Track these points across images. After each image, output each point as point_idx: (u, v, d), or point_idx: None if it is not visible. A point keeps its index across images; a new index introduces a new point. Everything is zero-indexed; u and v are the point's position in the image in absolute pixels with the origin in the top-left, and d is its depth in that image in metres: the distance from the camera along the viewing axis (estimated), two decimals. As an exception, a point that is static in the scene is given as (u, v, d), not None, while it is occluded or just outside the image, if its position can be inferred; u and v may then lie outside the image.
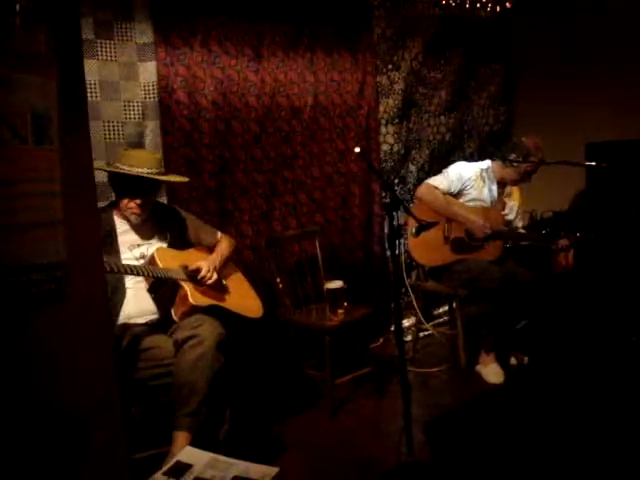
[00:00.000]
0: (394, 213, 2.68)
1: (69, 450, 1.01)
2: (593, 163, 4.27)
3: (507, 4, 5.33)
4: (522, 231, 4.34)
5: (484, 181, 4.14)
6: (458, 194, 4.11)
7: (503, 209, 4.24)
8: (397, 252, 2.67)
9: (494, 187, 4.18)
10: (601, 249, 4.55)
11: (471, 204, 4.12)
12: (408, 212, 2.83)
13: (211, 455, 2.03)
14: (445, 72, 5.12)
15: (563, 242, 4.03)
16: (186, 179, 3.28)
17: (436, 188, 4.02)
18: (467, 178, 4.10)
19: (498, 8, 5.31)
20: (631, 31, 4.64)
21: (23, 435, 0.94)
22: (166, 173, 3.11)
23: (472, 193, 4.12)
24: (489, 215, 4.08)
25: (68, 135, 1.01)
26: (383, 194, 4.71)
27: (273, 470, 1.92)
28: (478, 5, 5.19)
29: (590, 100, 4.96)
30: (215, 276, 3.02)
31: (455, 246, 4.07)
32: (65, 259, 0.96)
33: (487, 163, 4.20)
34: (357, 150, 2.57)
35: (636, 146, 4.52)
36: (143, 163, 2.88)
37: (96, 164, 2.86)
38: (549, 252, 4.64)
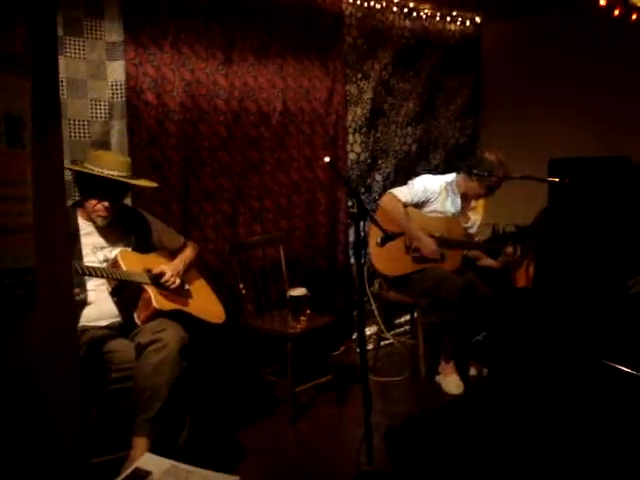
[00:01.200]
0: (360, 222, 2.69)
1: (33, 457, 0.99)
2: (556, 179, 4.33)
3: (477, 18, 5.42)
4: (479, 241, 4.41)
5: (448, 194, 4.18)
6: (421, 205, 4.15)
7: (466, 222, 4.29)
8: (362, 261, 2.68)
9: (458, 200, 4.22)
10: (561, 264, 4.63)
11: (433, 215, 4.17)
12: (374, 222, 2.83)
13: (171, 462, 2.00)
14: (413, 83, 5.16)
15: (509, 249, 4.10)
16: (155, 184, 3.24)
17: (398, 200, 4.05)
18: (432, 191, 4.14)
19: (468, 22, 5.39)
20: (598, 50, 4.74)
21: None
22: (137, 177, 3.07)
23: (434, 205, 4.16)
24: (449, 225, 4.14)
25: (40, 138, 0.99)
26: (349, 203, 4.73)
27: (234, 479, 1.90)
28: (448, 19, 5.26)
29: (555, 116, 5.06)
30: (178, 281, 3.00)
31: (416, 256, 4.10)
32: (34, 264, 0.94)
33: (452, 176, 4.25)
34: (327, 160, 2.57)
35: (598, 163, 4.61)
36: (114, 166, 2.84)
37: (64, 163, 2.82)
38: (509, 266, 4.70)
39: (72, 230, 2.82)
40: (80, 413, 1.15)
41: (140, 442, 2.55)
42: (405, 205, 4.06)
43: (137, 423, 2.58)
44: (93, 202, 2.85)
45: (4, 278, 0.87)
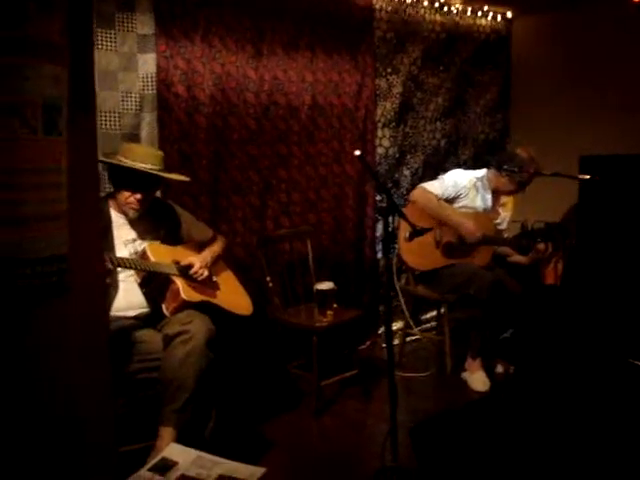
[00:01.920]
0: (390, 217, 2.68)
1: (64, 445, 0.99)
2: (587, 176, 4.29)
3: (508, 13, 5.36)
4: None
5: (478, 190, 4.15)
6: (451, 200, 4.12)
7: (496, 218, 4.26)
8: (390, 256, 2.67)
9: (488, 196, 4.19)
10: (591, 263, 4.57)
11: (463, 210, 4.13)
12: (403, 217, 2.81)
13: (197, 453, 2.02)
14: (443, 78, 5.12)
15: (541, 246, 4.04)
16: (187, 178, 3.25)
17: (430, 192, 4.03)
18: (462, 186, 4.11)
19: (499, 17, 5.33)
20: (631, 45, 4.66)
21: (19, 429, 0.93)
22: (168, 171, 3.09)
23: (464, 201, 4.13)
24: (479, 220, 4.10)
25: (76, 126, 0.99)
26: (377, 197, 4.72)
27: (259, 470, 1.91)
28: (479, 13, 5.20)
29: (586, 113, 4.98)
30: (207, 272, 3.02)
31: (446, 251, 4.08)
32: (67, 251, 0.95)
33: (482, 172, 4.21)
34: (357, 153, 2.56)
35: (630, 161, 4.54)
36: (146, 159, 2.86)
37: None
38: (538, 263, 4.65)
39: (105, 222, 2.84)
40: (111, 402, 1.16)
41: (166, 432, 2.57)
42: (437, 199, 4.03)
43: (164, 413, 2.60)
44: (126, 194, 2.86)
45: (38, 265, 0.88)
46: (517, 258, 4.23)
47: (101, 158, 2.78)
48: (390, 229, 2.63)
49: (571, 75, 5.08)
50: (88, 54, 1.06)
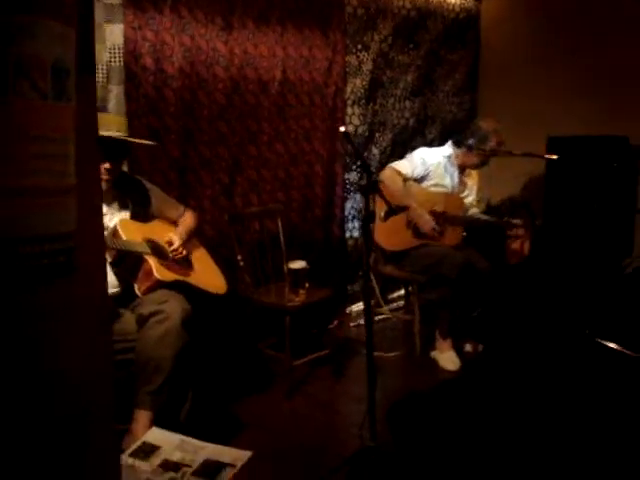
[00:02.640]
0: (369, 196, 2.63)
1: (69, 426, 0.93)
2: (555, 156, 4.31)
3: (478, -8, 5.33)
4: (483, 217, 4.38)
5: (446, 169, 4.15)
6: (421, 179, 4.12)
7: (463, 191, 4.29)
8: (366, 236, 2.63)
9: (455, 173, 4.21)
10: (557, 242, 4.62)
11: (433, 189, 4.13)
12: (381, 196, 2.77)
13: (180, 437, 1.96)
14: (413, 56, 5.09)
15: (517, 222, 4.07)
16: (154, 143, 3.15)
17: (399, 173, 4.00)
18: (430, 164, 4.11)
19: (469, -5, 5.31)
20: (599, 28, 4.69)
21: (21, 419, 0.86)
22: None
23: (434, 179, 4.13)
24: (450, 201, 4.11)
25: (79, 92, 0.92)
26: (346, 176, 4.68)
27: (246, 454, 1.86)
28: (450, -9, 5.17)
29: (553, 94, 5.01)
30: (185, 251, 2.94)
31: (417, 231, 4.06)
32: (75, 228, 0.88)
33: (449, 150, 4.21)
34: (342, 129, 2.51)
35: (597, 142, 4.58)
36: (111, 126, 2.76)
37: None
38: (504, 241, 4.68)
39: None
40: (112, 394, 1.10)
41: (142, 415, 2.51)
42: (405, 179, 4.01)
43: (139, 396, 2.53)
44: None
45: (47, 243, 0.81)
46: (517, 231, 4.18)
47: None
48: (371, 208, 2.57)
49: (539, 56, 5.10)
50: (90, 12, 0.98)
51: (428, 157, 4.13)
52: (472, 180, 4.39)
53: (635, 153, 4.67)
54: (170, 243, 2.87)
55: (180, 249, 2.89)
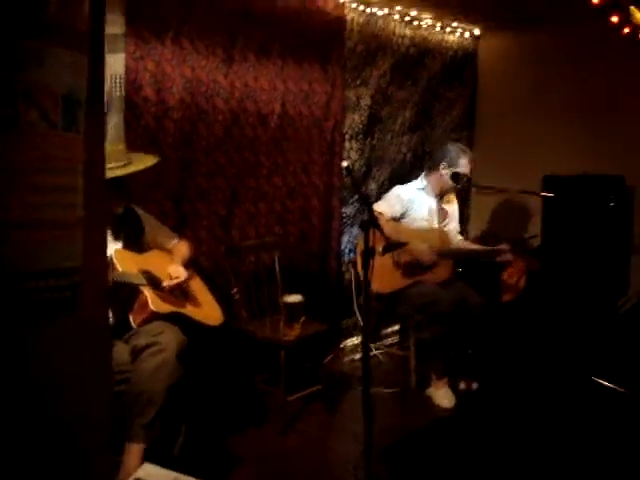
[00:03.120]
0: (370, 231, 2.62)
1: (67, 458, 0.90)
2: (551, 194, 4.34)
3: (476, 31, 5.39)
4: (471, 246, 4.40)
5: (423, 200, 4.20)
6: (402, 216, 4.15)
7: (445, 218, 4.32)
8: (366, 270, 2.61)
9: (433, 202, 4.25)
10: (552, 279, 4.61)
11: (416, 225, 4.14)
12: (380, 231, 2.75)
13: (174, 475, 1.90)
14: (411, 92, 5.12)
15: (504, 247, 4.06)
16: (156, 160, 3.02)
17: (380, 214, 3.97)
18: (407, 200, 4.16)
19: (467, 34, 5.36)
20: (595, 67, 4.73)
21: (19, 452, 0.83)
22: (128, 162, 2.85)
23: (413, 214, 4.16)
24: (436, 236, 4.12)
25: (89, 123, 0.90)
26: (343, 210, 4.68)
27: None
28: (448, 29, 5.22)
29: (550, 132, 5.03)
30: (184, 278, 2.92)
31: (406, 270, 4.03)
32: (81, 263, 0.85)
33: (422, 182, 4.25)
34: (344, 164, 2.51)
35: (593, 181, 4.60)
36: (108, 157, 2.71)
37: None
38: (498, 276, 4.68)
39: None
40: (108, 433, 1.06)
41: (134, 448, 2.46)
42: (387, 220, 4.00)
43: (132, 429, 2.49)
44: None
45: (52, 278, 0.78)
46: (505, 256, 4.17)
47: None
48: (370, 243, 2.56)
49: (536, 94, 5.14)
50: (100, 40, 0.97)
51: (403, 193, 4.18)
52: (452, 206, 4.42)
53: (631, 193, 4.70)
54: (174, 277, 2.84)
55: (185, 284, 2.87)
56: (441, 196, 4.29)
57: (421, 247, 3.98)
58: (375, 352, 4.66)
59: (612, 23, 3.46)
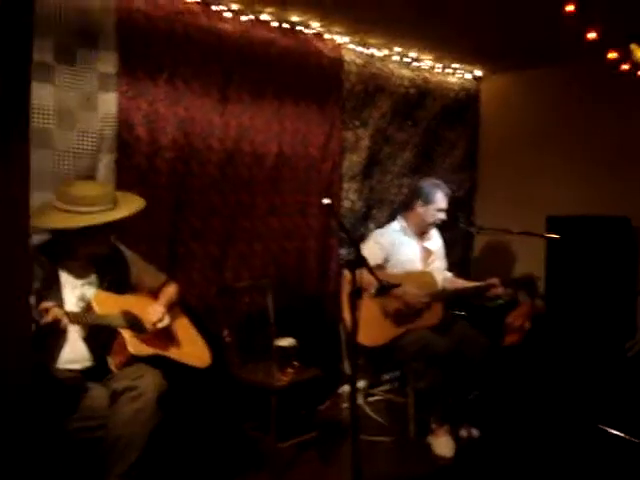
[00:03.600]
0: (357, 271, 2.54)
1: None
2: (556, 236, 4.25)
3: (477, 72, 5.37)
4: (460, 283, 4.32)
5: (402, 242, 4.12)
6: (385, 261, 4.06)
7: (429, 257, 4.23)
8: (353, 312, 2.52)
9: (414, 242, 4.18)
10: (557, 321, 4.50)
11: (399, 269, 4.05)
12: (370, 271, 2.66)
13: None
14: (411, 133, 5.08)
15: (494, 281, 4.01)
16: (141, 205, 2.92)
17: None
18: (388, 243, 4.08)
19: (468, 75, 5.35)
20: (598, 107, 4.69)
21: None
22: (115, 206, 2.79)
23: (395, 257, 4.08)
24: (422, 280, 4.02)
25: (4, 157, 0.82)
26: (341, 251, 4.60)
27: None
28: (449, 71, 5.21)
29: (553, 173, 4.98)
30: (166, 322, 2.83)
31: (397, 318, 3.91)
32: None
33: (399, 223, 4.20)
34: (326, 201, 2.43)
35: (598, 222, 4.52)
36: (93, 200, 2.66)
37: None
38: (503, 319, 4.57)
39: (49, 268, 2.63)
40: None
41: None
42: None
43: (109, 478, 2.37)
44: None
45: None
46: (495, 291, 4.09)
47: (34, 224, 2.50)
48: (357, 284, 2.47)
49: (538, 135, 5.10)
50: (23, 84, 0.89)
51: (382, 238, 4.11)
52: (435, 244, 4.34)
53: (636, 234, 4.60)
54: (152, 316, 2.76)
55: (160, 324, 2.78)
56: (422, 234, 4.21)
57: (413, 290, 3.88)
58: (374, 398, 4.52)
59: (609, 60, 3.42)
